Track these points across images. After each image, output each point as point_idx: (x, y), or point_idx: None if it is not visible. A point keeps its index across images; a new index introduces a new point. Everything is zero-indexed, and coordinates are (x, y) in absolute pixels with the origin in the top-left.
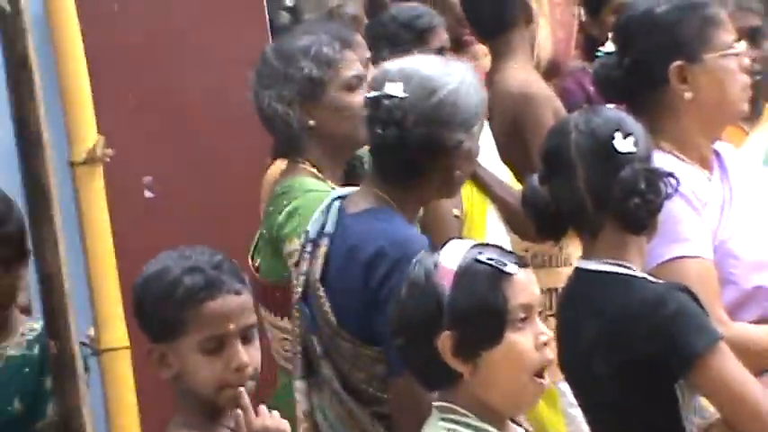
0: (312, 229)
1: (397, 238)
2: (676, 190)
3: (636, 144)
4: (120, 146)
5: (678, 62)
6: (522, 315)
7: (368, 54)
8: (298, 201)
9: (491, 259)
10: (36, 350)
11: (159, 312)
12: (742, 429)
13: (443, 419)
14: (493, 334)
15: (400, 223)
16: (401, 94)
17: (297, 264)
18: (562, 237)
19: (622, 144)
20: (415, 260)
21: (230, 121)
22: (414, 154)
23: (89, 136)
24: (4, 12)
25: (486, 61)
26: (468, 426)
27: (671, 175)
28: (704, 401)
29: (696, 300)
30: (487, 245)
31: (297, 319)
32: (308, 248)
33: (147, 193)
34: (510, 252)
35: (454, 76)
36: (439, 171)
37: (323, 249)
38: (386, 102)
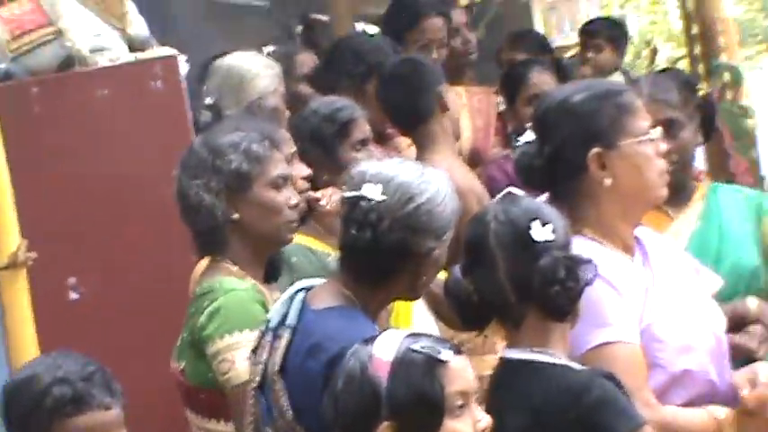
0: (273, 318)
1: (351, 340)
2: (596, 276)
3: (554, 232)
4: (44, 248)
5: (596, 149)
6: (460, 402)
7: (293, 149)
8: (219, 301)
9: (425, 348)
10: None
11: (25, 420)
12: None
13: None
14: (432, 422)
15: (364, 324)
16: (378, 198)
17: (255, 351)
18: (486, 326)
19: (540, 233)
20: (349, 353)
21: (155, 220)
22: (384, 257)
23: (11, 240)
24: None
25: (411, 152)
26: None
27: (590, 261)
28: None
29: (620, 385)
30: (421, 334)
31: (252, 406)
32: (269, 338)
33: (72, 295)
34: (443, 340)
35: (432, 184)
36: (406, 275)
37: (284, 341)
38: (363, 203)
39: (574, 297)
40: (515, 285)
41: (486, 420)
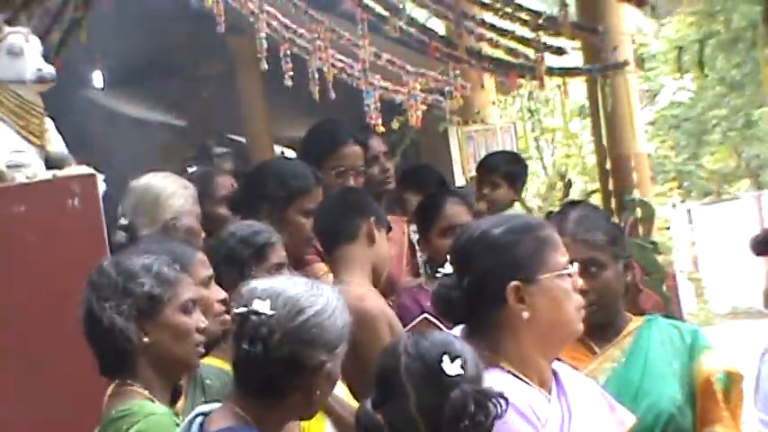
0: None
1: None
2: (505, 410)
3: (463, 366)
4: None
5: (515, 282)
6: None
7: (210, 272)
8: (140, 425)
9: None
10: None
11: None
12: None
13: None
14: None
15: None
16: (268, 312)
17: None
18: None
19: (450, 367)
20: None
21: (68, 340)
22: (277, 371)
23: None
24: None
25: (327, 279)
26: None
27: (500, 395)
28: None
29: None
30: None
31: None
32: None
33: None
34: None
35: (321, 297)
36: (300, 390)
37: None
38: (253, 318)
39: (483, 431)
40: (426, 419)
41: None
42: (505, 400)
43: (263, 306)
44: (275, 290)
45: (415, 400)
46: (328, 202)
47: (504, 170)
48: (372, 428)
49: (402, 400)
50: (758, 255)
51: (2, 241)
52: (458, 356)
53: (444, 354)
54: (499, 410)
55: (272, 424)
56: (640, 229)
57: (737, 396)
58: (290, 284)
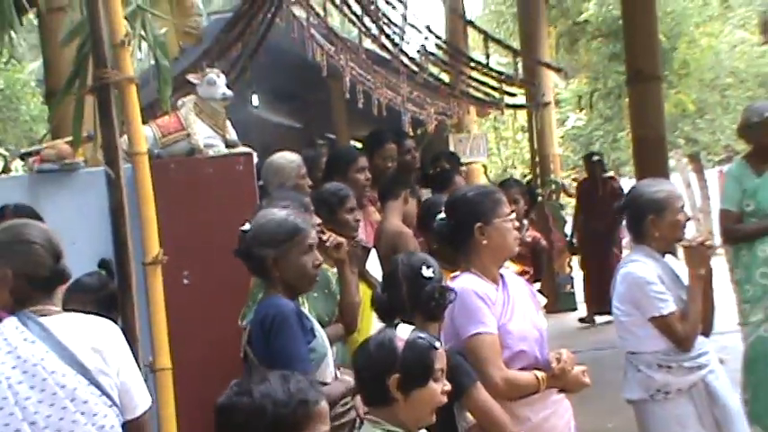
0: (246, 321)
1: (271, 306)
2: (455, 298)
3: (434, 272)
4: (171, 254)
5: (479, 224)
6: (440, 373)
7: (317, 220)
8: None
9: (426, 338)
10: None
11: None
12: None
13: (375, 427)
14: (423, 381)
15: (275, 299)
16: (247, 229)
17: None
18: (394, 320)
19: (427, 272)
20: (379, 332)
21: (231, 243)
22: (250, 261)
23: (154, 248)
24: (110, 177)
25: (375, 215)
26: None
27: (452, 290)
28: (468, 414)
29: (464, 357)
30: (422, 331)
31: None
32: (243, 334)
33: (185, 281)
34: (434, 336)
35: (276, 216)
36: (270, 271)
37: (248, 328)
38: (240, 234)
39: (443, 308)
40: (411, 300)
41: (448, 386)
42: (455, 292)
43: (246, 227)
44: (256, 217)
45: (405, 289)
46: (387, 177)
47: (446, 159)
48: (382, 304)
49: (398, 289)
50: None
51: (199, 191)
52: (431, 266)
53: (423, 264)
54: (453, 298)
55: (281, 290)
56: (554, 196)
57: None
58: (267, 212)
